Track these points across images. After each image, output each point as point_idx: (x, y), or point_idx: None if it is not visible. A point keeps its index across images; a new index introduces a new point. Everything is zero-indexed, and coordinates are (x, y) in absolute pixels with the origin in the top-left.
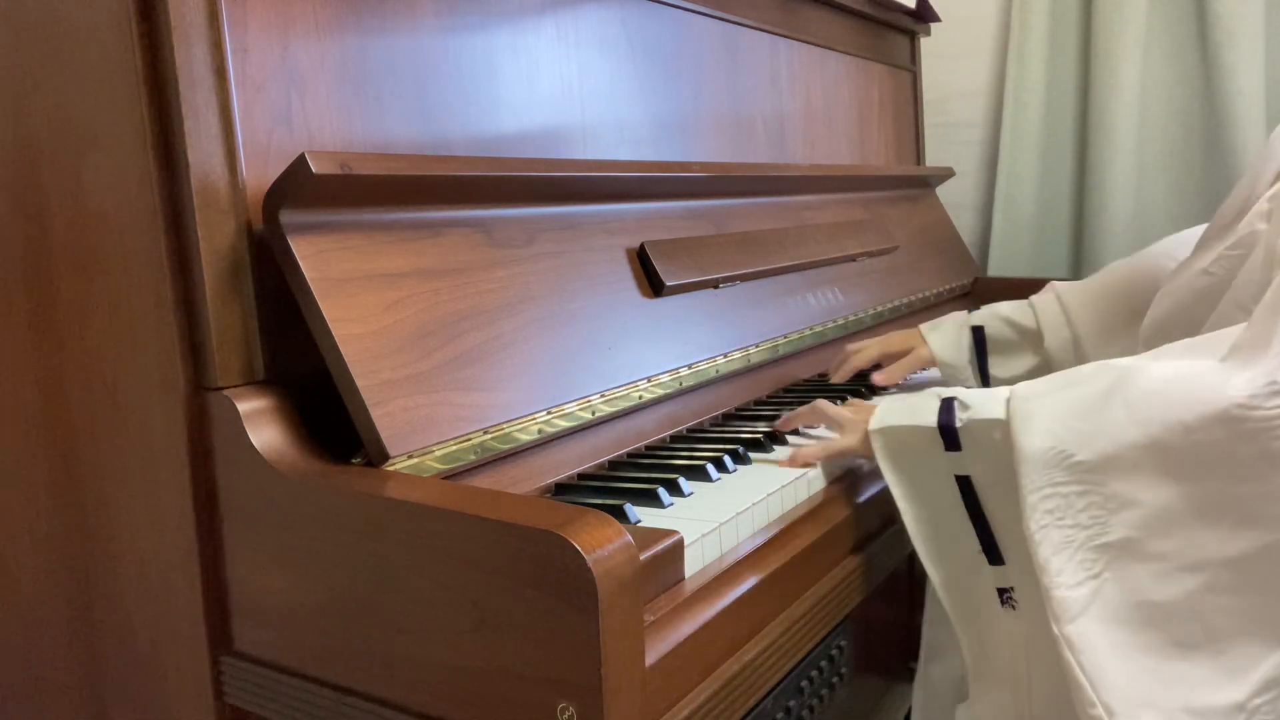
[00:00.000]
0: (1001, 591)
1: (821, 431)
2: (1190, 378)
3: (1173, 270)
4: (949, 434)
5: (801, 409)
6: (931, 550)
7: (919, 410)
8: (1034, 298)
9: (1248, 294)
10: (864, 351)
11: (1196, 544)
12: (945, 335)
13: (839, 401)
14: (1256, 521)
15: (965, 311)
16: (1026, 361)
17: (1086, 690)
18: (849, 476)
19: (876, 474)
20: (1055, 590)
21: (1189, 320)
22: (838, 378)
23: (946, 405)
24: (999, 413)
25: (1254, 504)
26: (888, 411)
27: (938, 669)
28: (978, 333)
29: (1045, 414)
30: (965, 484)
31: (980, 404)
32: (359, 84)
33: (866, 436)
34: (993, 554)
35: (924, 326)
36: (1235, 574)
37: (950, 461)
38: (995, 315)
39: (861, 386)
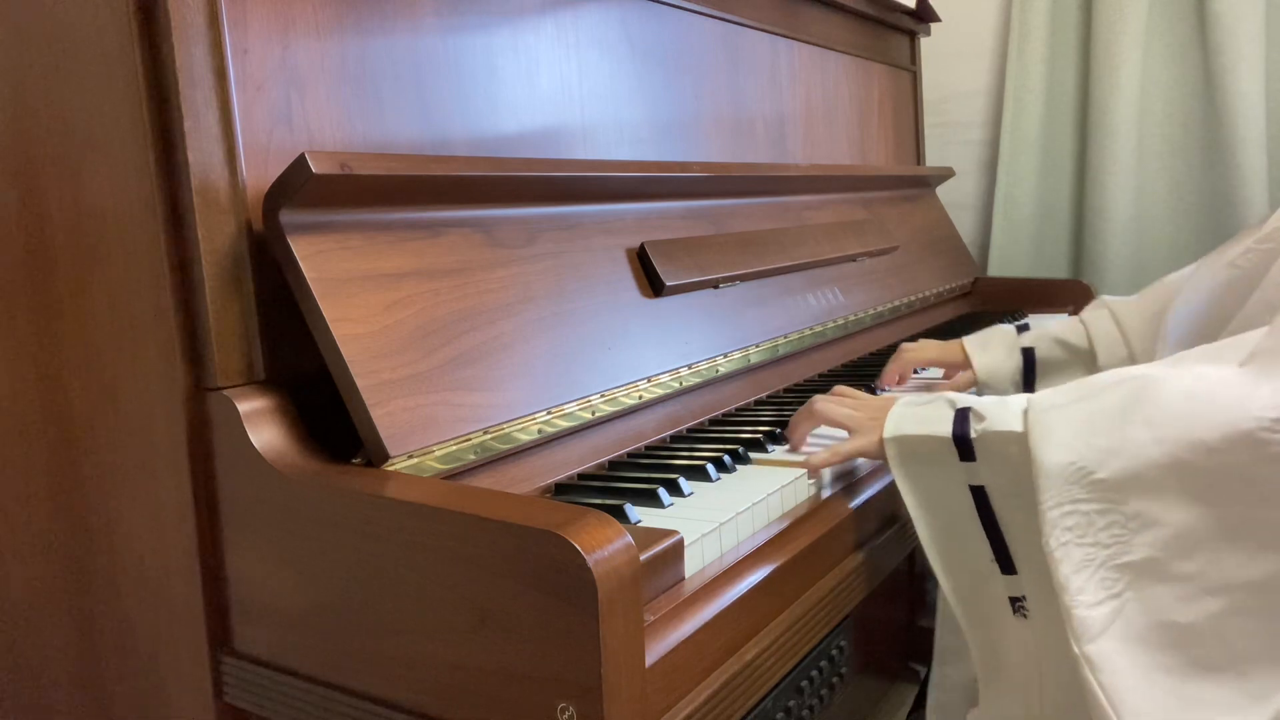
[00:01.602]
0: (1014, 600)
1: (824, 430)
2: (1211, 394)
3: (1200, 264)
4: (963, 444)
5: (802, 419)
6: (944, 559)
7: (932, 419)
8: (1085, 314)
9: (1279, 295)
10: (921, 352)
11: (1220, 566)
12: (994, 357)
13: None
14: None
15: (1012, 328)
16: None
17: (1106, 710)
18: (849, 476)
19: (876, 474)
20: (1076, 609)
21: (1214, 315)
22: (891, 374)
23: (961, 415)
24: (1015, 425)
25: (1277, 527)
26: (901, 419)
27: (951, 671)
28: (1028, 354)
29: (1064, 428)
30: (979, 494)
31: (996, 415)
32: (359, 84)
33: (881, 440)
34: (1005, 563)
35: (970, 344)
36: (1259, 597)
37: (965, 472)
38: (1046, 336)
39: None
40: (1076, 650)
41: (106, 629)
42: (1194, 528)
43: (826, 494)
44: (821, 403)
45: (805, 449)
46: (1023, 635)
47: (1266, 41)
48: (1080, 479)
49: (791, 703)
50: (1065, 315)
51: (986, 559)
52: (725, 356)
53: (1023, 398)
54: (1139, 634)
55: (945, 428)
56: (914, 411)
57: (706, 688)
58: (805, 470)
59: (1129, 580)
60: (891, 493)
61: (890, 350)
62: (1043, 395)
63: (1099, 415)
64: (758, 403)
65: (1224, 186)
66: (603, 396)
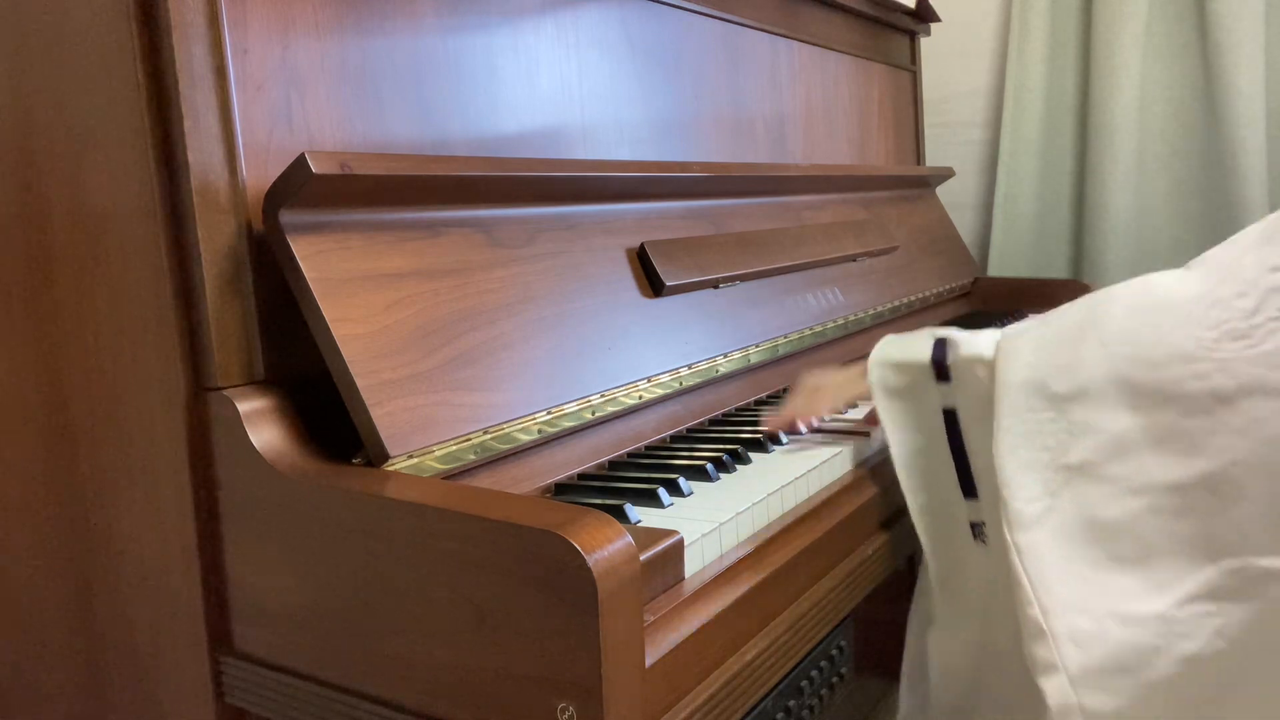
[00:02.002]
0: (974, 525)
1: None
2: (1154, 308)
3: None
4: (940, 367)
5: (797, 404)
6: (913, 478)
7: (914, 347)
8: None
9: None
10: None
11: (1145, 470)
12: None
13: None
14: (1200, 452)
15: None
16: None
17: (1027, 590)
18: (849, 476)
19: (877, 473)
20: (1014, 502)
21: None
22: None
23: (940, 343)
24: (986, 352)
25: (1200, 436)
26: (886, 345)
27: (925, 602)
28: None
29: (1029, 349)
30: (950, 416)
31: (970, 343)
32: (359, 84)
33: (865, 374)
34: (968, 487)
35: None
36: (1175, 498)
37: (940, 393)
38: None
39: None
40: (1008, 537)
41: (106, 629)
42: (1128, 434)
43: (827, 494)
44: (810, 384)
45: (794, 445)
46: (981, 560)
47: (1266, 41)
48: (1038, 391)
49: (791, 703)
50: None
51: (952, 483)
52: (725, 356)
53: (997, 330)
54: (1068, 530)
55: (925, 354)
56: (898, 340)
57: (706, 688)
58: (804, 470)
59: (1065, 479)
60: (892, 492)
61: None
62: (1014, 325)
63: (1059, 334)
64: (758, 402)
65: (1224, 186)
66: (603, 396)
